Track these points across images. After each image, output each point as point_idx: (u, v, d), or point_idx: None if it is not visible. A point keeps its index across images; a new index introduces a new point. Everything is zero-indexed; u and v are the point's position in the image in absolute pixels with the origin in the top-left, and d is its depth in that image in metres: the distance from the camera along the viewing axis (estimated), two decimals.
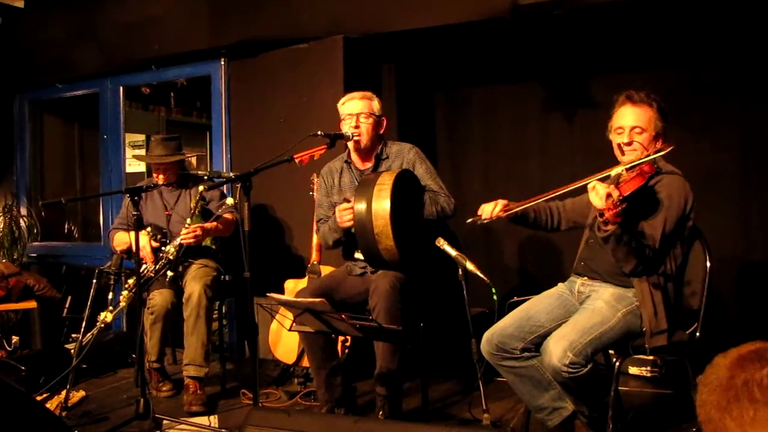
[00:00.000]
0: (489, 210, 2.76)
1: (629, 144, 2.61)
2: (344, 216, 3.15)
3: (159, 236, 3.82)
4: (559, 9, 3.82)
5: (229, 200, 3.65)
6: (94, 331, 3.48)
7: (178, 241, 3.69)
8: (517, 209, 2.75)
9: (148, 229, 3.82)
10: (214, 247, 4.10)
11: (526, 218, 2.90)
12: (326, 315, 2.59)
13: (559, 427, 2.68)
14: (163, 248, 3.75)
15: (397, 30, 4.24)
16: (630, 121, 2.62)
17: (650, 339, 2.49)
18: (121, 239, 3.96)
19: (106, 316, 3.44)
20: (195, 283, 3.69)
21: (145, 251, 3.71)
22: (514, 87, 4.69)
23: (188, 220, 3.71)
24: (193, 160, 6.80)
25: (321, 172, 3.56)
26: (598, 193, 2.32)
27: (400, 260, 3.01)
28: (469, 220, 2.82)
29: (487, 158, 4.80)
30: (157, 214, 4.01)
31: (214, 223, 3.82)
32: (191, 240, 3.70)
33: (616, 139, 2.66)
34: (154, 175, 4.05)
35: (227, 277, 4.03)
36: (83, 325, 3.54)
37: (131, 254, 3.72)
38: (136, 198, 3.18)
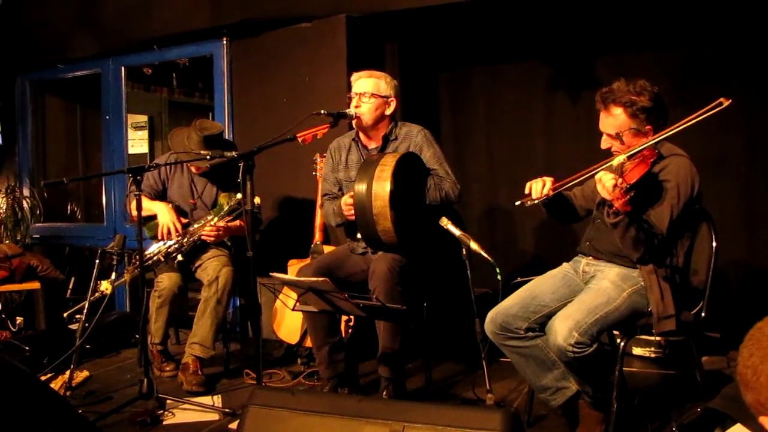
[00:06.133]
0: (538, 189, 2.62)
1: (609, 149, 2.62)
2: (347, 209, 3.14)
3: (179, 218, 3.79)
4: None
5: (257, 199, 3.60)
6: (91, 298, 3.50)
7: (195, 226, 3.69)
8: (566, 184, 2.63)
9: (170, 206, 3.79)
10: (228, 243, 4.02)
11: (569, 201, 2.85)
12: (329, 294, 2.59)
13: (562, 407, 2.69)
14: (187, 228, 3.74)
15: (401, 8, 4.19)
16: (602, 127, 2.63)
17: (658, 324, 2.47)
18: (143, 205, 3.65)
19: (106, 288, 3.47)
20: (222, 266, 3.65)
21: (176, 225, 3.67)
22: (519, 66, 4.64)
23: (214, 219, 3.68)
24: None
25: (329, 146, 3.53)
26: (604, 184, 2.30)
27: (398, 243, 2.99)
28: (518, 203, 2.66)
29: (490, 138, 4.75)
30: (182, 195, 3.88)
31: (237, 222, 3.73)
32: (212, 238, 3.70)
33: None
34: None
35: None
36: (86, 305, 3.55)
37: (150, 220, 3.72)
38: (139, 177, 3.12)
